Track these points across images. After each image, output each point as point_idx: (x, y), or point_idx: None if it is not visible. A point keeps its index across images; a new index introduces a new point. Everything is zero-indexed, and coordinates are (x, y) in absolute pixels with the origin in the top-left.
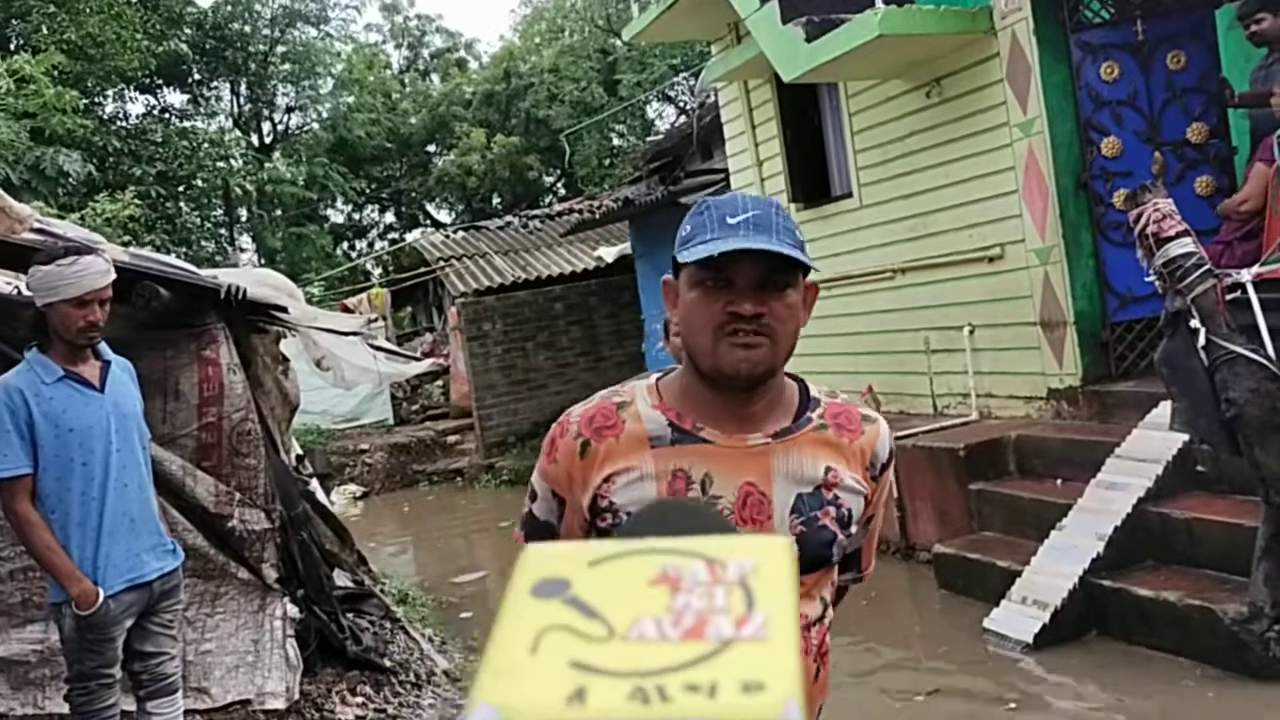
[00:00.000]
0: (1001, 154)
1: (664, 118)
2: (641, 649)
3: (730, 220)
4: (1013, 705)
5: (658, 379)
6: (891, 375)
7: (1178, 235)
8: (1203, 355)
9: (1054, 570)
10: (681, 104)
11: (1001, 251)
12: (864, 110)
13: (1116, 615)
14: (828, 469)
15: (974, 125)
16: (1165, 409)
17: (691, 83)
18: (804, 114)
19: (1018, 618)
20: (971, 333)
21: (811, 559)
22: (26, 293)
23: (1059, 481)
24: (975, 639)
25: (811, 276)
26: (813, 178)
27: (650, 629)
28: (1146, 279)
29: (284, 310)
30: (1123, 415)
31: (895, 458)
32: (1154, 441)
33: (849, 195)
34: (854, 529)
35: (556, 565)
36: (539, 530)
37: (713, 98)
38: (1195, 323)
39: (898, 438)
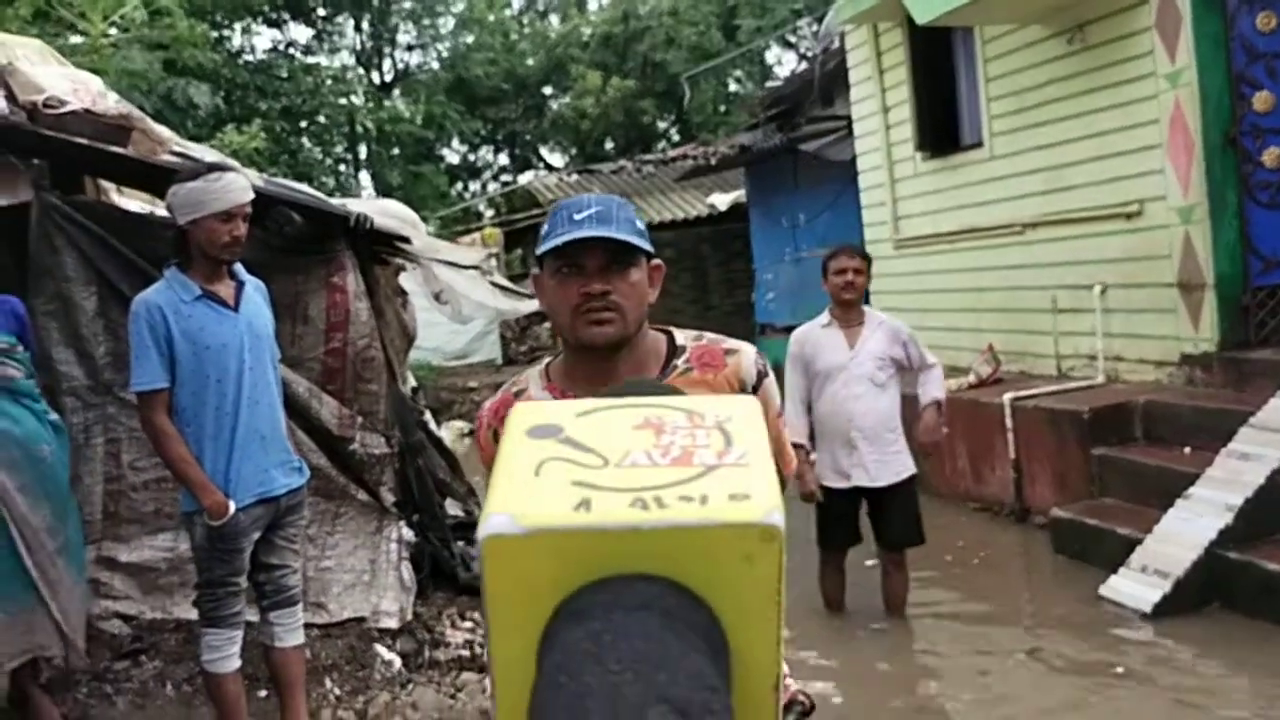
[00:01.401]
0: (1146, 106)
1: (784, 63)
2: (635, 472)
3: (576, 216)
4: (1119, 670)
5: (548, 363)
6: (1014, 334)
7: None
8: None
9: (1178, 540)
10: (803, 50)
11: (1140, 209)
12: (1000, 56)
13: (1241, 588)
14: None
15: (1117, 75)
16: None
17: (815, 27)
18: (935, 60)
19: (1137, 586)
20: (1103, 293)
21: None
22: (164, 214)
23: (1187, 450)
24: (1090, 605)
25: (929, 229)
26: (941, 127)
27: (642, 458)
28: None
29: (408, 241)
30: (1260, 384)
31: (767, 377)
32: None
33: (979, 145)
34: None
35: (548, 415)
36: None
37: (837, 43)
38: None
39: (1018, 399)
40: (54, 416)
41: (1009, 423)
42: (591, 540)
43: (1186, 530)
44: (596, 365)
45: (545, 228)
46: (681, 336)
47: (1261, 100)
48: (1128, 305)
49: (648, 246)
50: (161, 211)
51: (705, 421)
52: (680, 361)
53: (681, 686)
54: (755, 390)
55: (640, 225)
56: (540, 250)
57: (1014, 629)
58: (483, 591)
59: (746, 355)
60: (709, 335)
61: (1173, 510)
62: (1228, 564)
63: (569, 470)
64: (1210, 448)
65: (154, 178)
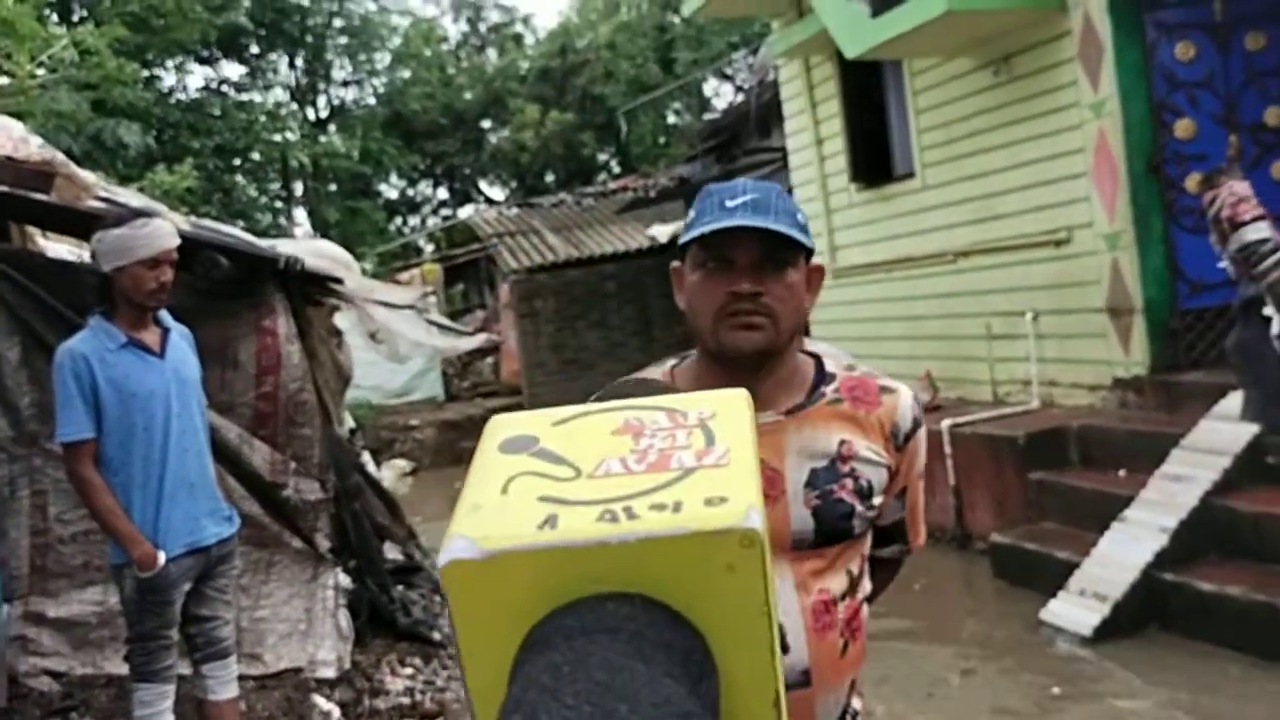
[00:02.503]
0: (1071, 135)
1: (721, 96)
2: (608, 482)
3: (729, 204)
4: (1056, 691)
5: (673, 365)
6: (951, 361)
7: (1253, 220)
8: (1277, 344)
9: (1115, 563)
10: (739, 82)
11: (1069, 236)
12: (929, 89)
13: (1178, 609)
14: (842, 442)
15: (1043, 105)
16: (1235, 399)
17: (749, 60)
18: (866, 92)
19: (1076, 609)
20: (1035, 319)
21: (829, 532)
22: (89, 260)
23: (1122, 473)
24: (1030, 630)
25: (863, 258)
26: (874, 157)
27: (616, 466)
28: (1219, 265)
29: (340, 282)
30: (1190, 406)
31: (922, 426)
32: (1223, 433)
33: (911, 176)
34: (877, 500)
35: (523, 425)
36: None
37: (772, 75)
38: (1269, 310)
39: (955, 425)
40: None
41: (948, 449)
42: (558, 560)
43: (1123, 553)
44: (733, 379)
45: (691, 214)
46: (831, 363)
47: (1183, 128)
48: (1060, 331)
49: (809, 243)
50: (88, 257)
51: (687, 420)
52: (829, 390)
53: (644, 717)
54: (908, 440)
55: (801, 219)
56: (684, 239)
57: (956, 654)
58: (450, 620)
59: (904, 397)
60: (863, 367)
61: (1109, 533)
62: (1164, 585)
63: (538, 485)
64: (1144, 470)
65: (79, 223)
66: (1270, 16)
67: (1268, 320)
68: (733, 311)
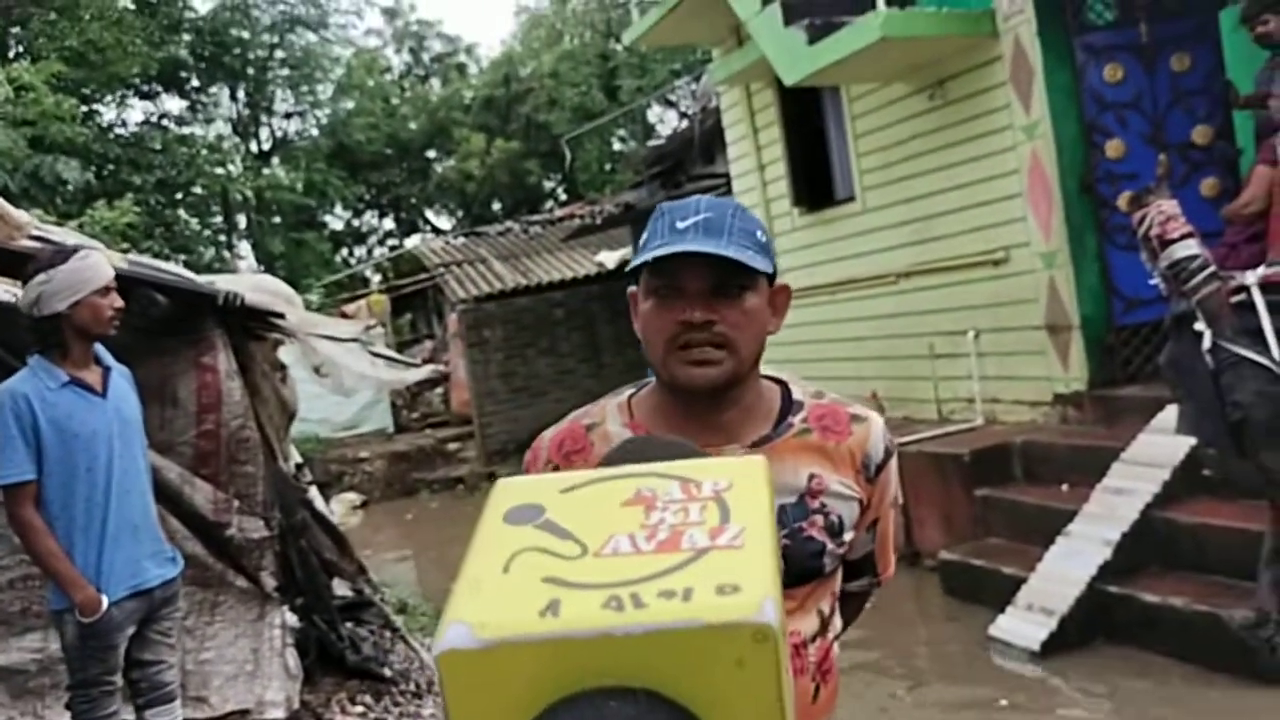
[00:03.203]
0: (1005, 157)
1: (665, 122)
2: (615, 562)
3: (679, 225)
4: (1004, 703)
5: (630, 395)
6: (896, 380)
7: (1182, 238)
8: (1208, 358)
9: (1060, 577)
10: (683, 108)
11: (1006, 255)
12: (866, 114)
13: (1123, 621)
14: (811, 476)
15: (977, 128)
16: (1171, 413)
17: (692, 87)
18: (806, 117)
19: (1024, 624)
20: (976, 337)
21: (799, 571)
22: (29, 301)
23: (1065, 487)
24: (980, 646)
25: (807, 281)
26: (815, 182)
27: (624, 544)
28: (1151, 282)
29: (281, 317)
30: (1129, 420)
31: (894, 456)
32: (1160, 446)
33: (852, 199)
34: (848, 536)
35: (530, 493)
36: None
37: (714, 102)
38: (1200, 326)
39: (902, 444)
40: None
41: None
42: (561, 649)
43: (1068, 567)
44: (692, 410)
45: (644, 237)
46: (798, 390)
47: (1113, 148)
48: (1001, 348)
49: (766, 267)
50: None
51: (701, 492)
52: (796, 420)
53: None
54: (879, 471)
55: (762, 237)
56: (632, 265)
57: (906, 670)
58: (444, 710)
59: (875, 426)
60: (830, 394)
61: (1054, 548)
62: (1109, 598)
63: (542, 564)
64: (1086, 484)
65: (13, 262)
66: (1194, 38)
67: (1198, 335)
68: (684, 344)
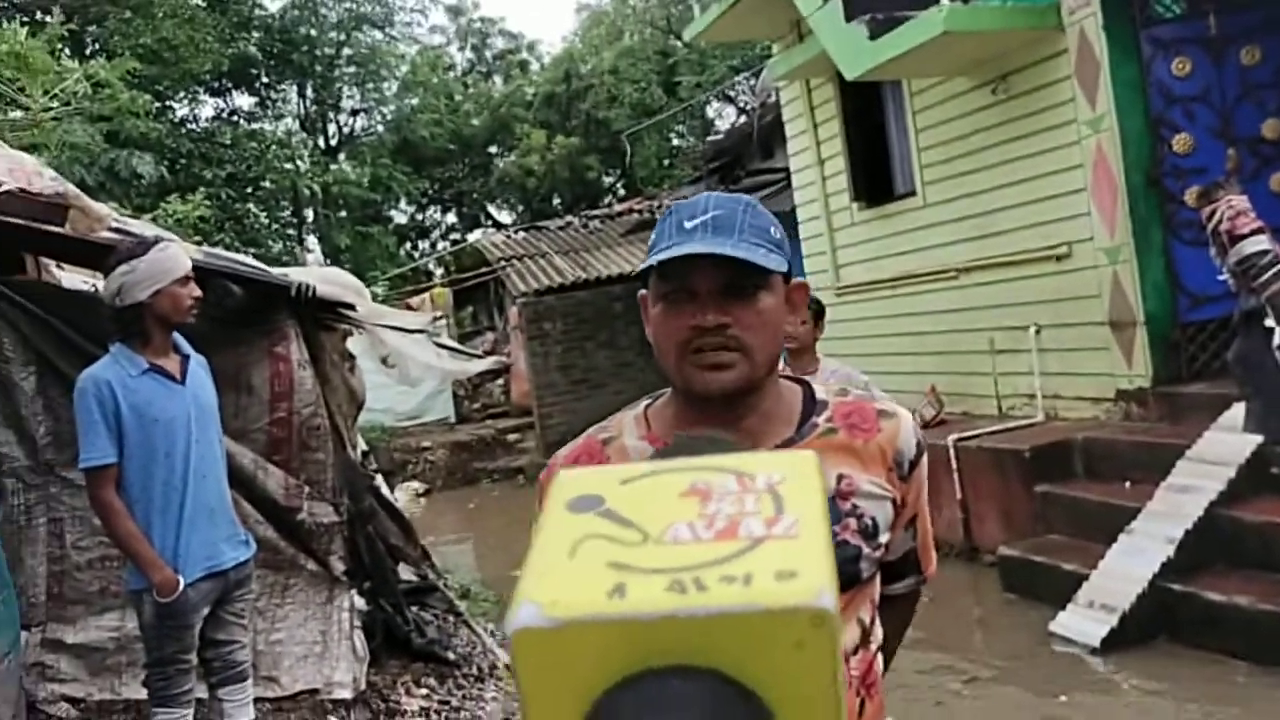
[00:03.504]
0: (1069, 151)
1: (724, 117)
2: (676, 549)
3: (687, 224)
4: (1063, 700)
5: (646, 406)
6: (955, 376)
7: (1252, 233)
8: (1277, 355)
9: (1122, 574)
10: (741, 104)
11: (1069, 250)
12: (928, 108)
13: (1186, 620)
14: (840, 477)
15: (1041, 122)
16: (1238, 411)
17: (751, 83)
18: (866, 112)
19: (1084, 621)
20: (1038, 333)
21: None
22: (111, 291)
23: (1128, 484)
24: (1039, 641)
25: (866, 276)
26: (875, 176)
27: (684, 532)
28: (1219, 278)
29: (351, 308)
30: (1194, 417)
31: (925, 453)
32: (1226, 444)
33: (912, 194)
34: (883, 538)
35: (590, 484)
36: None
37: (773, 97)
38: (1270, 322)
39: (961, 439)
40: None
41: (954, 463)
42: (628, 629)
43: (1130, 564)
44: (710, 417)
45: (652, 238)
46: (821, 389)
47: (1181, 142)
48: (1062, 344)
49: (780, 265)
50: (102, 284)
51: (755, 484)
52: (821, 420)
53: None
54: (913, 468)
55: (775, 233)
56: (639, 268)
57: (966, 666)
58: (516, 686)
59: (905, 421)
60: (855, 390)
61: (1116, 545)
62: (1172, 596)
63: (606, 550)
64: (1149, 481)
65: (93, 254)
66: (1264, 30)
67: (1269, 332)
68: (697, 348)
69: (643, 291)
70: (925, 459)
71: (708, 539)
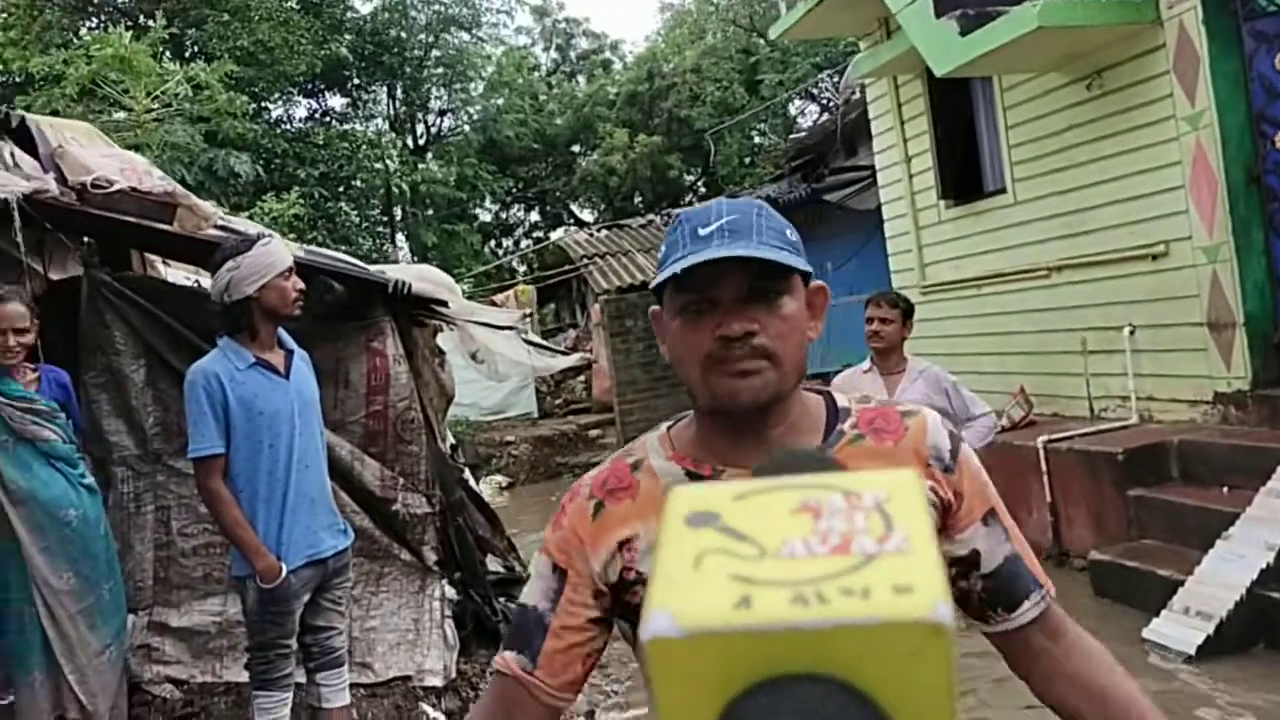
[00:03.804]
0: (1167, 148)
1: (806, 115)
2: (794, 564)
3: (702, 231)
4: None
5: (669, 427)
6: (1045, 377)
7: None
8: None
9: (1219, 580)
10: (824, 101)
11: (1165, 249)
12: (1020, 104)
13: None
14: None
15: (1137, 118)
16: None
17: (835, 80)
18: (955, 109)
19: (1179, 628)
20: (1132, 333)
21: None
22: (219, 287)
23: (1225, 489)
24: (1132, 648)
25: (953, 274)
26: (963, 174)
27: (800, 547)
28: None
29: (444, 304)
30: None
31: (963, 443)
32: None
33: (1002, 191)
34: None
35: (704, 501)
36: (525, 624)
37: (858, 94)
38: None
39: (1051, 440)
40: (89, 480)
41: (1044, 465)
42: (753, 639)
43: (1228, 571)
44: (738, 432)
45: (663, 250)
46: (843, 397)
47: None
48: (1157, 345)
49: (804, 265)
50: (207, 281)
51: (863, 502)
52: (846, 427)
53: None
54: (955, 457)
55: (792, 235)
56: (656, 281)
57: None
58: (651, 691)
59: (930, 416)
60: (876, 399)
61: (1213, 551)
62: (1270, 604)
63: (728, 563)
64: (1248, 486)
65: (198, 251)
66: None
67: None
68: (723, 359)
69: (654, 308)
70: (967, 449)
71: (823, 554)
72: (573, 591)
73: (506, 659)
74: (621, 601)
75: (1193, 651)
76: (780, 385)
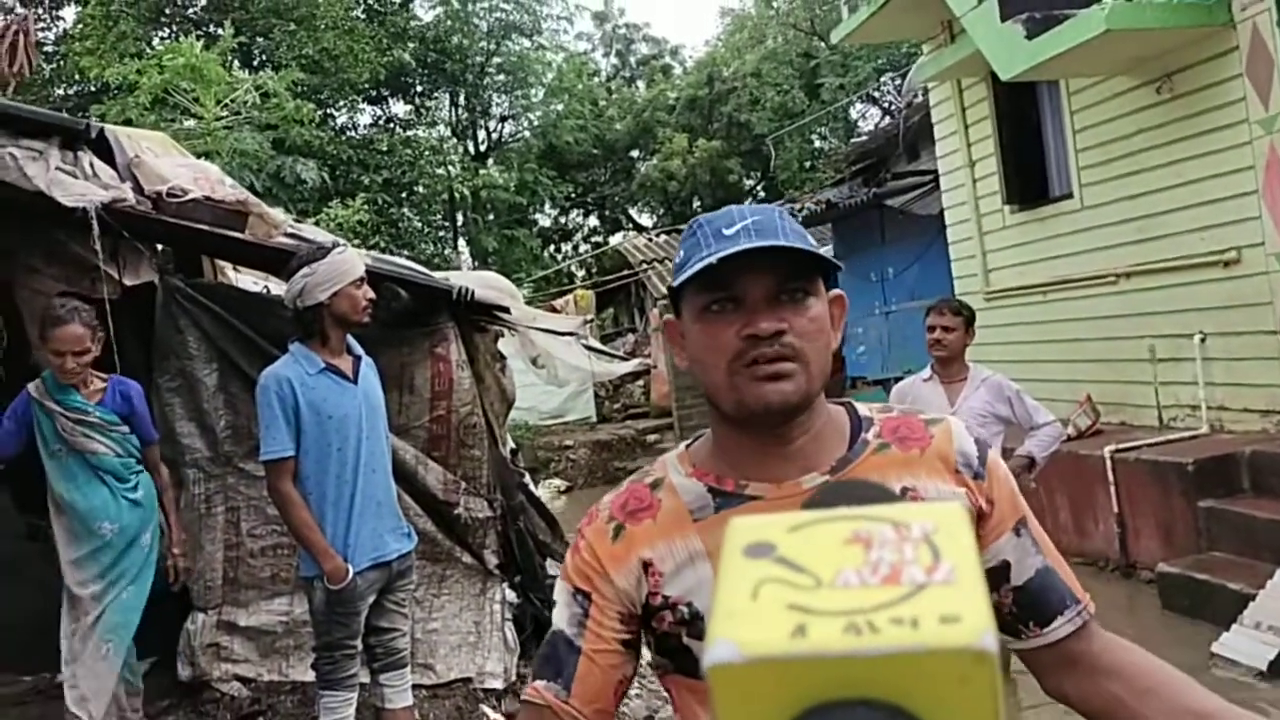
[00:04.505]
0: (1239, 152)
1: (867, 119)
2: (847, 594)
3: (727, 231)
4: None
5: (688, 445)
6: (1113, 385)
7: None
8: None
9: None
10: (886, 105)
11: (1238, 255)
12: (1087, 108)
13: None
14: (905, 490)
15: (1209, 122)
16: None
17: (897, 83)
18: (1020, 113)
19: (1250, 643)
20: (1203, 341)
21: None
22: (278, 291)
23: None
24: (1201, 663)
25: (1018, 281)
26: (1029, 178)
27: (852, 578)
28: None
29: (506, 311)
30: None
31: (991, 448)
32: None
33: (1069, 196)
34: None
35: (761, 532)
36: (554, 651)
37: (920, 98)
38: None
39: (1119, 450)
40: (138, 494)
41: (1110, 475)
42: (809, 666)
43: None
44: (762, 441)
45: (680, 253)
46: (864, 407)
47: None
48: (1229, 353)
49: (830, 259)
50: (275, 287)
51: (912, 534)
52: (870, 436)
53: None
54: (983, 462)
55: (810, 239)
56: (677, 281)
57: None
58: (713, 713)
59: (955, 423)
60: (898, 408)
61: None
62: None
63: (784, 593)
64: None
65: (268, 257)
66: None
67: None
68: (752, 360)
69: (668, 317)
70: (995, 454)
71: (874, 584)
72: (600, 614)
73: (538, 688)
74: (649, 627)
75: (1264, 667)
76: (809, 389)
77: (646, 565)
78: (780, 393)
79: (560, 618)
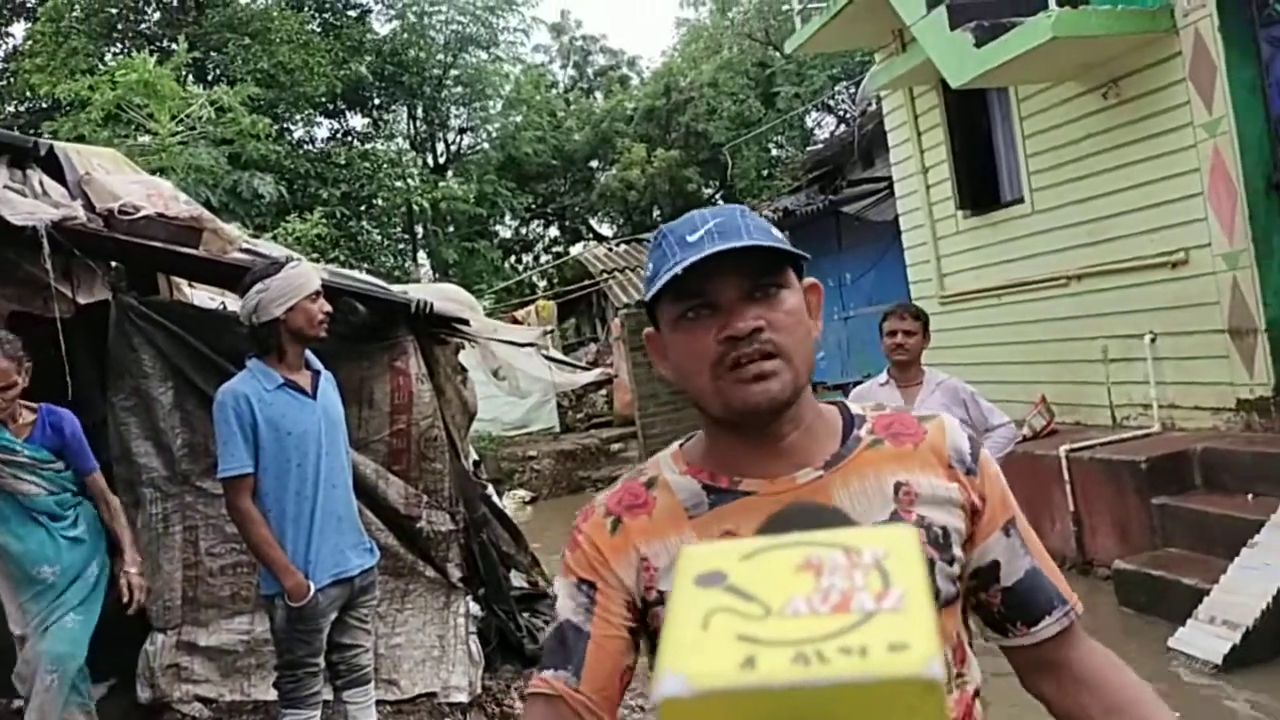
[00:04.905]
0: (1185, 155)
1: (823, 127)
2: (796, 622)
3: (690, 238)
4: (1178, 715)
5: (680, 444)
6: (1067, 385)
7: None
8: None
9: (1246, 589)
10: (841, 113)
11: (1186, 256)
12: (1036, 114)
13: None
14: (898, 485)
15: (1155, 126)
16: None
17: (851, 92)
18: (971, 119)
19: (1206, 637)
20: (1153, 341)
21: None
22: (247, 309)
23: (1250, 497)
24: (1158, 658)
25: (973, 284)
26: (980, 184)
27: (802, 606)
28: None
29: (466, 323)
30: None
31: (982, 447)
32: None
33: (1020, 201)
34: (958, 550)
35: (713, 560)
36: (563, 640)
37: (874, 106)
38: None
39: (1073, 449)
40: (77, 532)
41: (1066, 475)
42: (759, 698)
43: (1254, 579)
44: (752, 436)
45: (649, 267)
46: (856, 406)
47: None
48: (1179, 352)
49: (795, 250)
50: (231, 303)
51: (863, 560)
52: (864, 432)
53: None
54: (976, 459)
55: (778, 232)
56: (649, 294)
57: None
58: None
59: (949, 420)
60: (890, 406)
61: (1239, 559)
62: None
63: (734, 623)
64: (1273, 493)
65: (223, 274)
66: None
67: None
68: (734, 362)
69: (648, 330)
70: (989, 455)
71: (824, 612)
72: (606, 600)
73: (546, 678)
74: (643, 622)
75: (1219, 661)
76: (796, 383)
77: (643, 560)
78: (766, 392)
79: (565, 609)
